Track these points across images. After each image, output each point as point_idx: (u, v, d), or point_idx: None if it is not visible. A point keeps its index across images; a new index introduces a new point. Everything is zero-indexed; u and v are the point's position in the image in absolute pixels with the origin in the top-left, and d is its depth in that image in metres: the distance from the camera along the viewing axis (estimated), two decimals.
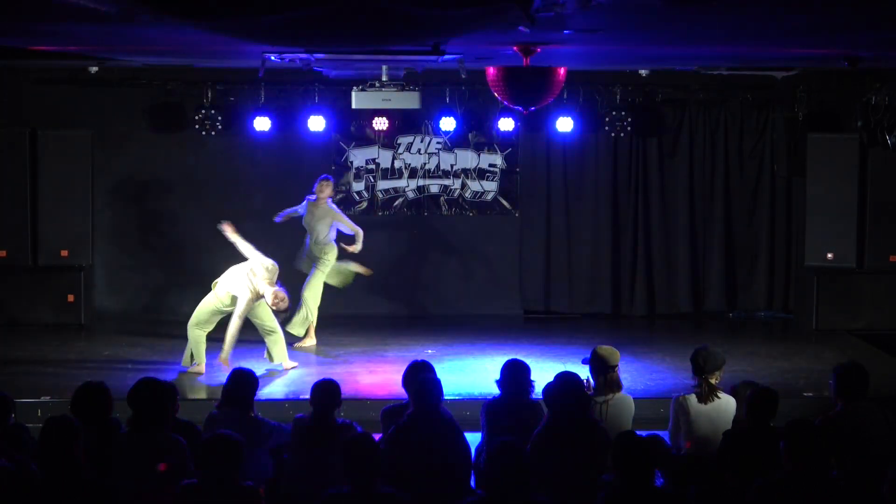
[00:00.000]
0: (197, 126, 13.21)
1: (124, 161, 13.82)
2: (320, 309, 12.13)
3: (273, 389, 9.94)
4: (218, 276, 10.73)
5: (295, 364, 11.04)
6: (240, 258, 10.69)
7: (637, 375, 10.59)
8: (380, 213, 14.15)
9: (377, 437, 6.66)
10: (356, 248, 12.11)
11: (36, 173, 13.06)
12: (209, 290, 10.74)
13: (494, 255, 14.30)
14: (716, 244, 14.25)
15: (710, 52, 9.59)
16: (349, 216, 12.42)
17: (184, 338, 10.76)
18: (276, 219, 12.26)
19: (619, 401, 7.37)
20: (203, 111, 13.18)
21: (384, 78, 11.14)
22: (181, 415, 6.92)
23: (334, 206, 12.27)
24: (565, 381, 6.81)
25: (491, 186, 14.22)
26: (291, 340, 11.66)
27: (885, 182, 13.02)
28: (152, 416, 6.40)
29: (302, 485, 6.61)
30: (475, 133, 14.04)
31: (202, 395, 10.04)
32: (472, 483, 6.82)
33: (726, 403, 7.28)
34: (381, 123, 13.18)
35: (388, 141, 14.05)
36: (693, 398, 7.25)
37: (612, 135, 13.61)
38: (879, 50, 8.94)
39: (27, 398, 9.37)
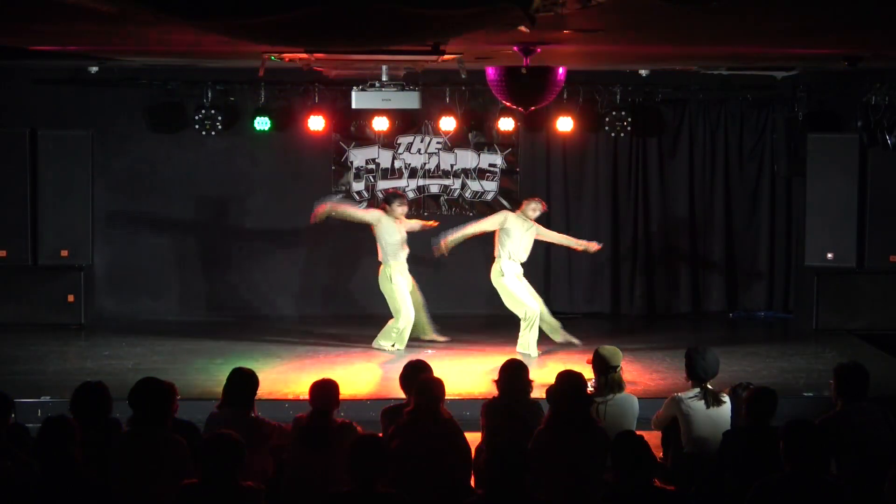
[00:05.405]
0: (197, 126, 13.19)
1: (124, 161, 13.81)
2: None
3: (274, 389, 9.92)
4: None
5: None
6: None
7: (637, 375, 10.58)
8: None
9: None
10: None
11: (36, 173, 13.05)
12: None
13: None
14: (716, 244, 14.24)
15: (710, 52, 9.59)
16: None
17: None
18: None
19: (621, 401, 7.35)
20: (203, 111, 13.16)
21: (384, 78, 11.14)
22: (181, 414, 6.92)
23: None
24: (568, 380, 6.81)
25: (491, 186, 14.22)
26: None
27: (885, 182, 13.01)
28: (152, 415, 6.40)
29: (302, 485, 6.61)
30: (475, 133, 14.03)
31: (202, 394, 10.01)
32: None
33: (725, 404, 7.29)
34: (381, 123, 13.19)
35: (388, 141, 14.04)
36: (693, 400, 7.24)
37: (612, 135, 13.60)
38: (879, 50, 8.94)
39: (27, 398, 9.37)
